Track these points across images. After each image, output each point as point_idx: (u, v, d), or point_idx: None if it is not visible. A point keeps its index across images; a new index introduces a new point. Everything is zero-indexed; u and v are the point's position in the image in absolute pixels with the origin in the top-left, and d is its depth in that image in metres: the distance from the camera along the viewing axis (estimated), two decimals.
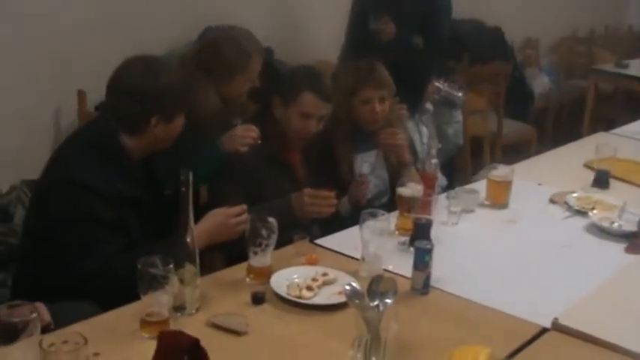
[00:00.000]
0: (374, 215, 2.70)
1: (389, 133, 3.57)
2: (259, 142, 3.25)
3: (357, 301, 2.04)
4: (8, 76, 3.67)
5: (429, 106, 4.39)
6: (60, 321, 2.24)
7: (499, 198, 3.47)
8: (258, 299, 2.42)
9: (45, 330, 2.02)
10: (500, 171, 3.54)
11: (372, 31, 4.45)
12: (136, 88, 2.65)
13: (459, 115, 4.59)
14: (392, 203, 3.46)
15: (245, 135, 3.26)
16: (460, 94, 4.65)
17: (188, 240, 2.30)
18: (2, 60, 3.67)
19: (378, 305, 2.03)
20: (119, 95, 2.69)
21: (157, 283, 2.16)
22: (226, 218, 2.68)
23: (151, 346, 2.08)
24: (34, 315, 1.93)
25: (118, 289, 2.30)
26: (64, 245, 2.58)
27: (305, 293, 2.45)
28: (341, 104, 3.50)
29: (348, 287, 2.08)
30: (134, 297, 2.23)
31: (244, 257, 2.60)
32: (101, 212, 2.58)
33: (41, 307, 2.16)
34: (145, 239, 2.67)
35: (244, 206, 2.72)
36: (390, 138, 3.57)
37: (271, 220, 2.51)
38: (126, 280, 2.21)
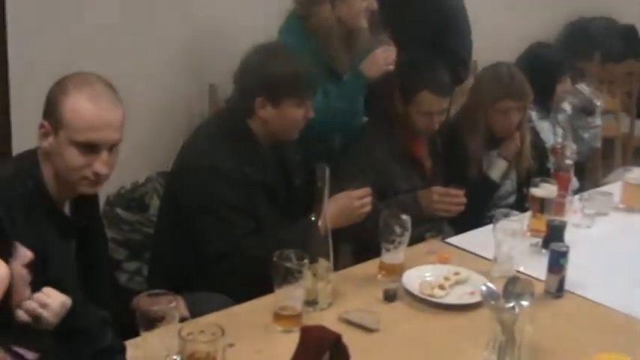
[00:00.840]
0: (507, 215, 2.65)
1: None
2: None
3: (492, 302, 2.01)
4: (143, 72, 3.76)
5: (566, 106, 4.26)
6: (194, 311, 2.29)
7: (635, 201, 3.36)
8: (390, 296, 2.41)
9: (181, 322, 2.06)
10: (636, 173, 3.43)
11: None
12: (251, 69, 2.73)
13: (596, 120, 4.43)
14: (518, 204, 3.41)
15: (387, 55, 3.27)
16: (599, 103, 4.47)
17: (322, 235, 2.30)
18: (139, 57, 3.76)
19: (513, 307, 1.99)
20: (239, 78, 2.78)
21: (291, 276, 2.17)
22: (351, 201, 2.68)
23: (284, 340, 2.12)
24: (173, 304, 1.97)
25: (247, 271, 2.33)
26: (197, 230, 2.64)
27: (437, 292, 2.42)
28: (478, 107, 3.47)
29: (483, 288, 2.05)
30: (264, 287, 2.26)
31: (371, 250, 2.61)
32: (230, 195, 2.62)
33: (180, 301, 2.20)
34: (273, 224, 2.70)
35: (368, 189, 2.72)
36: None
37: (405, 217, 2.49)
38: (255, 261, 2.24)
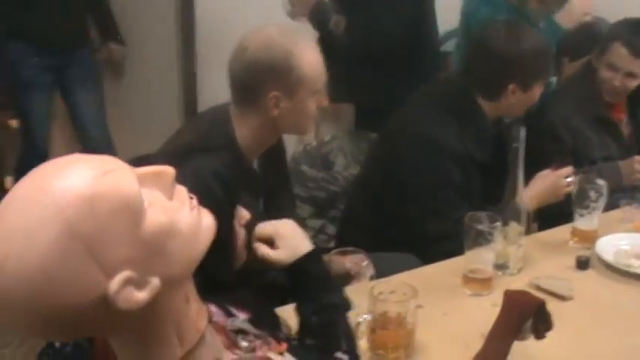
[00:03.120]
0: None
1: None
2: None
3: None
4: None
5: None
6: (380, 270, 2.28)
7: None
8: (582, 264, 2.32)
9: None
10: None
11: None
12: (497, 52, 2.55)
13: None
14: None
15: (584, 4, 3.14)
16: None
17: (515, 198, 2.24)
18: None
19: None
20: (481, 58, 2.63)
21: (482, 239, 2.12)
22: (558, 180, 2.57)
23: (472, 303, 2.09)
24: (366, 263, 1.97)
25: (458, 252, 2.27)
26: (411, 201, 2.58)
27: (634, 262, 2.31)
28: None
29: None
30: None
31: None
32: (453, 174, 2.54)
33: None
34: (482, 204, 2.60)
35: (571, 167, 2.60)
36: None
37: (601, 182, 2.39)
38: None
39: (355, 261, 1.98)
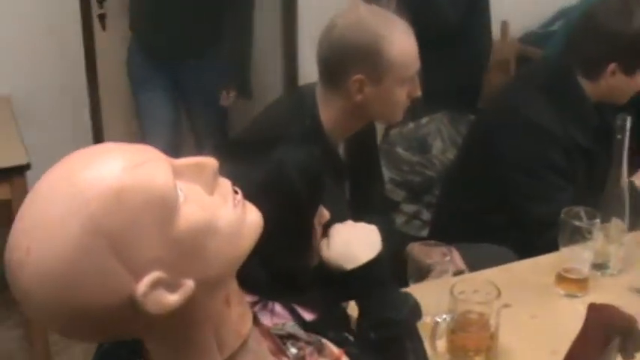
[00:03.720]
0: None
1: None
2: None
3: None
4: None
5: None
6: (474, 263, 2.17)
7: None
8: None
9: (456, 275, 1.93)
10: None
11: None
12: (603, 27, 2.35)
13: None
14: None
15: None
16: None
17: (617, 192, 2.06)
18: None
19: None
20: (585, 33, 2.43)
21: (578, 236, 1.97)
22: None
23: (565, 305, 1.97)
24: (448, 258, 1.85)
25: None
26: (513, 187, 2.44)
27: None
28: None
29: None
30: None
31: None
32: (555, 156, 2.39)
33: (455, 253, 2.08)
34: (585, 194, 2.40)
35: None
36: None
37: None
38: None
39: (437, 255, 1.86)
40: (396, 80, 2.00)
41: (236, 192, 1.00)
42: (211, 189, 0.97)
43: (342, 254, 1.48)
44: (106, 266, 0.87)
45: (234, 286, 1.03)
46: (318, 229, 1.49)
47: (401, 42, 1.99)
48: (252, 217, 1.01)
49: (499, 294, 1.68)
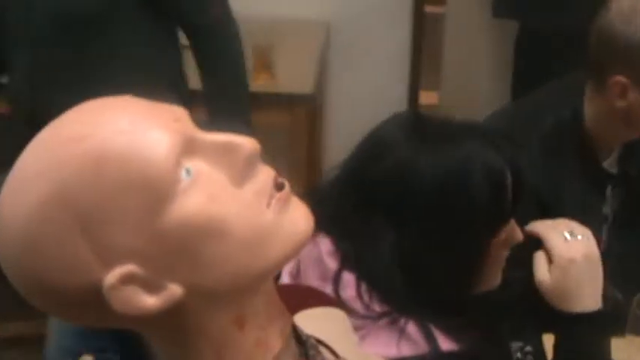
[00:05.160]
0: None
1: None
2: None
3: None
4: None
5: None
6: None
7: None
8: None
9: None
10: None
11: None
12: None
13: None
14: None
15: None
16: None
17: None
18: None
19: None
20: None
21: None
22: None
23: None
24: None
25: None
26: None
27: None
28: None
29: None
30: None
31: None
32: None
33: None
34: None
35: None
36: None
37: None
38: None
39: None
40: None
41: (280, 187, 0.76)
42: (240, 179, 0.74)
43: (568, 293, 1.23)
44: (69, 243, 0.71)
45: (255, 305, 0.78)
46: (502, 252, 1.22)
47: None
48: (296, 222, 0.76)
49: None
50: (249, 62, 2.22)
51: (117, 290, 0.70)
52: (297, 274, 1.22)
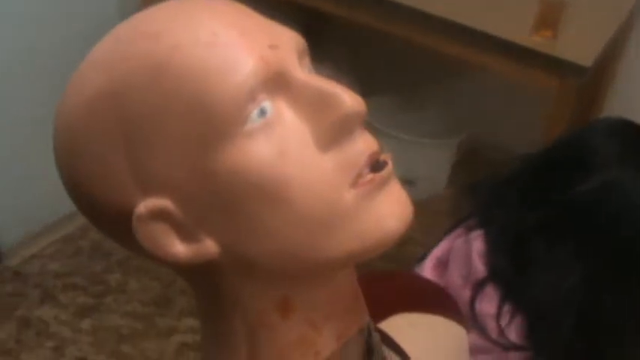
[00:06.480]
0: None
1: None
2: None
3: None
4: None
5: None
6: None
7: None
8: None
9: None
10: None
11: None
12: None
13: None
14: None
15: None
16: None
17: None
18: None
19: None
20: None
21: None
22: None
23: None
24: None
25: None
26: None
27: None
28: None
29: None
30: None
31: None
32: None
33: None
34: None
35: None
36: None
37: None
38: None
39: None
40: None
41: (377, 167, 0.60)
42: (328, 142, 0.59)
43: None
44: (109, 149, 0.61)
45: (310, 296, 0.64)
46: None
47: None
48: (381, 217, 0.60)
49: None
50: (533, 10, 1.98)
51: (145, 224, 0.60)
52: (445, 263, 1.06)
